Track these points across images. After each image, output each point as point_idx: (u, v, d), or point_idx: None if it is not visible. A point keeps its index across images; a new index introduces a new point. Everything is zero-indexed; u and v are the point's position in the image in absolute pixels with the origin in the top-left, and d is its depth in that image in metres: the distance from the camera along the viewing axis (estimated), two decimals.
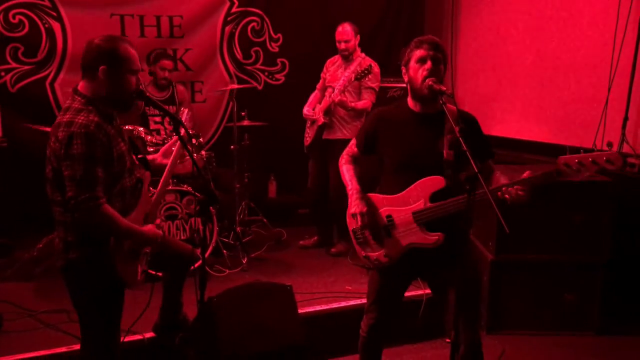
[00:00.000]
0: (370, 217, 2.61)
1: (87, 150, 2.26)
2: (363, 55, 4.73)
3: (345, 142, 4.33)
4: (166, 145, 2.90)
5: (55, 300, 3.74)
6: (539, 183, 2.36)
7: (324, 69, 4.93)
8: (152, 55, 5.07)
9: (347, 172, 2.80)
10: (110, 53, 2.37)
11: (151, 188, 2.76)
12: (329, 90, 4.72)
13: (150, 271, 3.68)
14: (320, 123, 4.66)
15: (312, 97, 4.95)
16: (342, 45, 4.67)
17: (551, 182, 2.36)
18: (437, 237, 2.51)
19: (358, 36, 4.69)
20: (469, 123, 2.54)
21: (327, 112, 4.63)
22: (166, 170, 2.83)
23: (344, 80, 4.54)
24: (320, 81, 4.95)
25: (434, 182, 2.50)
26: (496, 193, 2.37)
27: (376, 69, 4.61)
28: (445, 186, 2.48)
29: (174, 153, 2.84)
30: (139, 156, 2.72)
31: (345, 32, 4.66)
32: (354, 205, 2.62)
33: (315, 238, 5.12)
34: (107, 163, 2.34)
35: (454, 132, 2.29)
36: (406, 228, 2.56)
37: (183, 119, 3.21)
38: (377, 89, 4.66)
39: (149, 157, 2.83)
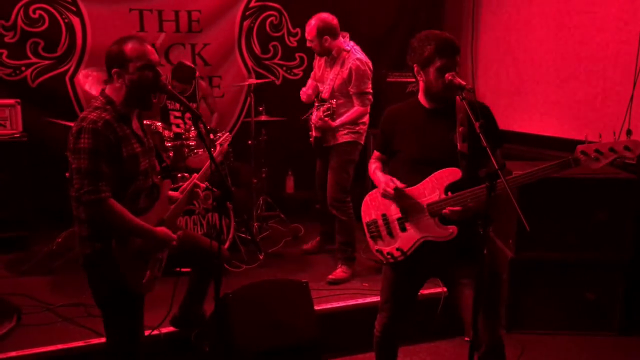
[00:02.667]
0: (387, 210, 2.59)
1: (93, 145, 2.32)
2: (350, 46, 4.23)
3: (343, 145, 4.27)
4: (185, 184, 2.87)
5: (73, 294, 3.77)
6: (556, 172, 2.32)
7: (315, 62, 4.57)
8: (173, 57, 5.05)
9: (374, 174, 2.73)
10: (117, 56, 2.43)
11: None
12: (319, 86, 4.41)
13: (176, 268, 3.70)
14: (314, 135, 4.35)
15: (309, 82, 4.65)
16: (307, 43, 4.29)
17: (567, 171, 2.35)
18: (451, 230, 2.47)
19: (326, 37, 4.14)
20: (481, 112, 2.49)
21: (318, 128, 4.29)
22: (185, 193, 2.81)
23: (326, 92, 4.21)
24: (314, 71, 4.60)
25: (451, 173, 2.47)
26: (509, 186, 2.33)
27: (360, 68, 4.12)
28: (460, 178, 2.45)
29: (191, 182, 2.83)
30: (163, 165, 2.74)
31: (308, 30, 4.21)
32: (385, 185, 2.54)
33: (318, 239, 4.86)
34: (113, 160, 2.37)
35: (466, 125, 2.26)
36: (420, 221, 2.53)
37: (220, 140, 3.25)
38: (368, 90, 4.18)
39: (171, 193, 2.81)
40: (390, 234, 2.61)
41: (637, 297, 3.84)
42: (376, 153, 2.81)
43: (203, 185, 2.85)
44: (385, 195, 2.57)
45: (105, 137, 2.34)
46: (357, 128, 4.31)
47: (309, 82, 4.69)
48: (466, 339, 3.61)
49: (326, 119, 4.14)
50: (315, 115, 4.25)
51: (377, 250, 2.66)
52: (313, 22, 4.21)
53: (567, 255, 3.77)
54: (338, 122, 4.17)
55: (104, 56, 2.50)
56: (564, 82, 4.83)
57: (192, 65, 5.12)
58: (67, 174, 2.50)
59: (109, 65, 2.46)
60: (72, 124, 2.44)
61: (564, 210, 3.69)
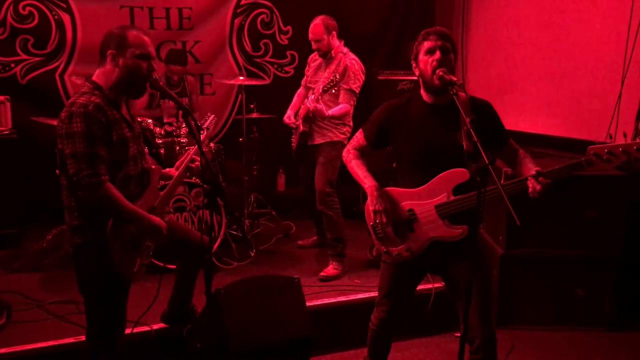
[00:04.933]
0: (392, 212, 2.57)
1: (87, 128, 2.31)
2: (346, 50, 4.31)
3: (330, 144, 4.29)
4: (179, 161, 2.92)
5: (63, 291, 3.75)
6: (567, 174, 2.34)
7: (307, 66, 4.63)
8: (164, 54, 5.11)
9: (358, 168, 2.72)
10: (119, 38, 2.44)
11: (161, 182, 2.77)
12: (310, 92, 4.36)
13: (159, 263, 3.71)
14: (300, 131, 4.39)
15: (296, 96, 4.69)
16: (314, 45, 4.31)
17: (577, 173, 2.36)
18: (461, 230, 2.48)
19: (334, 32, 4.24)
20: (482, 109, 2.51)
21: (307, 119, 4.31)
22: (181, 168, 2.85)
23: (317, 89, 4.18)
24: (304, 77, 4.66)
25: (458, 174, 2.46)
26: (518, 186, 2.36)
27: (355, 67, 4.20)
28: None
29: (187, 157, 2.87)
30: (153, 151, 2.75)
31: (316, 31, 4.24)
32: (375, 202, 2.56)
33: (315, 238, 4.95)
34: (106, 144, 2.37)
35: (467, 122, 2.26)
36: (429, 222, 2.53)
37: (207, 124, 3.25)
38: (356, 90, 4.23)
39: (167, 170, 2.86)
40: (399, 235, 2.59)
41: (627, 293, 3.87)
42: (360, 140, 2.75)
43: (198, 158, 2.85)
44: (376, 213, 2.57)
45: (97, 119, 2.33)
46: (344, 129, 4.35)
47: (296, 96, 4.70)
48: (457, 334, 3.65)
49: (321, 106, 4.12)
50: (309, 101, 4.21)
51: (386, 252, 2.64)
52: (317, 22, 4.26)
53: (557, 252, 3.80)
54: (329, 112, 4.17)
55: (94, 53, 2.53)
56: (554, 80, 4.87)
57: (180, 48, 5.34)
58: (57, 171, 2.49)
59: (105, 46, 2.45)
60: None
61: (555, 207, 3.70)
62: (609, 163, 2.32)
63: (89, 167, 2.30)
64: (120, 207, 2.40)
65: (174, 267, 3.34)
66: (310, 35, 4.31)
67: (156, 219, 2.55)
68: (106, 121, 2.37)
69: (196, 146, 2.87)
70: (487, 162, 2.11)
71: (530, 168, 2.45)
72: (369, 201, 2.61)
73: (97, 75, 2.48)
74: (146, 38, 2.50)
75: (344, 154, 2.82)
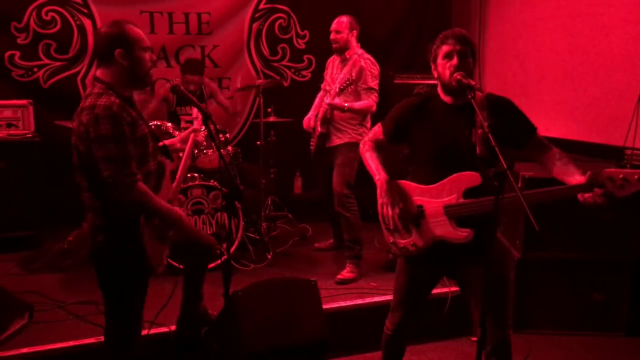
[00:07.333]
0: (402, 205, 2.57)
1: (115, 129, 2.31)
2: (360, 52, 4.37)
3: (347, 146, 4.33)
4: (184, 133, 3.00)
5: (84, 291, 3.80)
6: (577, 193, 2.32)
7: (325, 69, 4.69)
8: (183, 59, 5.14)
9: (372, 160, 2.72)
10: (121, 36, 2.45)
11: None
12: (328, 95, 4.44)
13: (174, 263, 3.76)
14: (318, 133, 4.43)
15: (318, 98, 4.76)
16: (332, 35, 4.38)
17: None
18: (467, 234, 2.47)
19: (354, 32, 4.35)
20: (501, 107, 2.50)
21: (324, 121, 4.37)
22: (183, 158, 2.91)
23: (333, 90, 4.27)
24: (324, 82, 4.71)
25: (470, 178, 2.45)
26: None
27: (370, 66, 4.26)
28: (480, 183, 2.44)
29: (189, 142, 2.94)
30: (160, 144, 2.78)
31: (340, 22, 4.36)
32: (384, 195, 2.57)
33: (331, 241, 4.98)
34: (133, 141, 2.39)
35: (484, 126, 2.26)
36: (436, 220, 2.52)
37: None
38: (376, 87, 4.27)
39: (167, 141, 2.91)
40: (406, 228, 2.59)
41: None
42: (377, 133, 2.75)
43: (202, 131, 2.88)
44: (383, 206, 2.58)
45: (123, 119, 2.34)
46: (361, 130, 4.37)
47: (318, 98, 4.76)
48: (473, 338, 3.64)
49: (338, 100, 4.17)
50: (327, 98, 4.29)
51: (392, 243, 2.65)
52: (344, 18, 4.38)
53: (574, 256, 3.78)
54: (349, 105, 4.19)
55: None
56: (571, 83, 4.83)
57: (199, 58, 5.39)
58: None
59: (108, 45, 2.44)
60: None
61: (571, 210, 3.67)
62: (622, 189, 2.25)
63: (124, 168, 2.32)
64: (153, 203, 2.43)
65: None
66: (333, 26, 4.39)
67: (178, 210, 2.59)
68: (130, 119, 2.38)
69: (192, 126, 2.91)
70: (505, 166, 2.11)
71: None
72: (377, 193, 2.62)
73: (103, 75, 2.46)
74: (139, 30, 2.53)
75: (361, 145, 2.82)
